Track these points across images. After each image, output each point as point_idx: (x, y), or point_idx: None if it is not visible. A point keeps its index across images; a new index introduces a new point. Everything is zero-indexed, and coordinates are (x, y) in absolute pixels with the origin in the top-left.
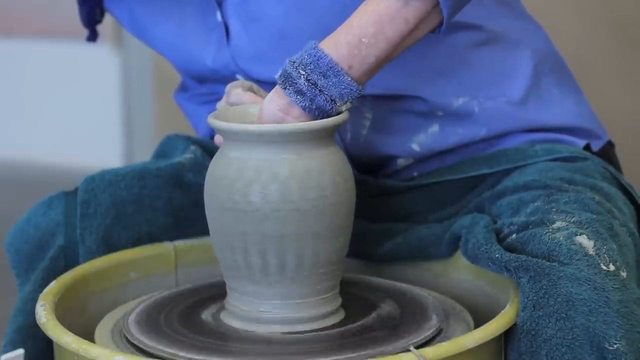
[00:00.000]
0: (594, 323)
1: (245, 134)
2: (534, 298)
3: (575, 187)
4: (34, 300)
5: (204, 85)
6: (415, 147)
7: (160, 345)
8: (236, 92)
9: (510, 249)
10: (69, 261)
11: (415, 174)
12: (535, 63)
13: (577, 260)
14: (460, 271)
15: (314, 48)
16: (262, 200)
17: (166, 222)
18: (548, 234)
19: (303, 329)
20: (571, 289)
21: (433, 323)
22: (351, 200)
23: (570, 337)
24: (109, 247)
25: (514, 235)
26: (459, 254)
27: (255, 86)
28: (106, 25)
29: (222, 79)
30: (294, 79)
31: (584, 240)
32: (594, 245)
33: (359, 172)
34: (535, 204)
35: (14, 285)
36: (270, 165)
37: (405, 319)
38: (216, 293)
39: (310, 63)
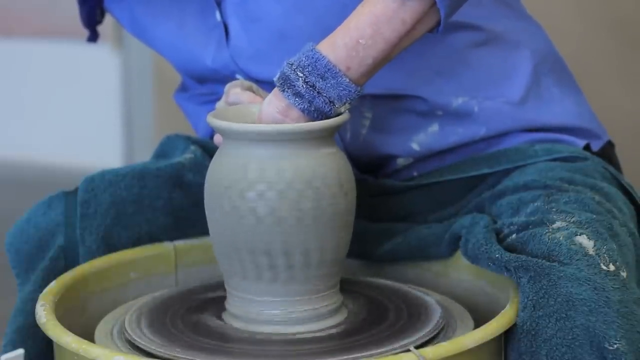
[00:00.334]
0: (594, 323)
1: (244, 134)
2: (534, 298)
3: (575, 187)
4: (34, 300)
5: (203, 85)
6: (415, 146)
7: (160, 345)
8: (235, 91)
9: (510, 249)
10: (69, 261)
11: (415, 173)
12: (535, 63)
13: (577, 260)
14: (460, 271)
15: (312, 50)
16: (262, 201)
17: (166, 222)
18: (548, 234)
19: (303, 330)
20: (571, 289)
21: (433, 323)
22: (351, 200)
23: (570, 337)
24: (109, 247)
25: (514, 235)
26: (459, 254)
27: (254, 86)
28: (106, 26)
29: (222, 78)
30: (292, 81)
31: (584, 240)
32: (594, 245)
33: (359, 171)
34: (535, 204)
35: (14, 285)
36: (270, 165)
37: (406, 319)
38: (216, 293)
39: (308, 65)
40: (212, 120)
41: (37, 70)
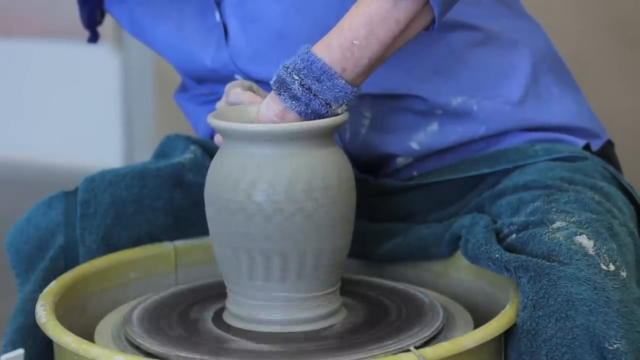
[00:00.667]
0: (594, 323)
1: (245, 134)
2: (534, 298)
3: (575, 187)
4: (34, 300)
5: (203, 85)
6: (414, 145)
7: (160, 345)
8: (235, 91)
9: (510, 249)
10: (69, 261)
11: (415, 173)
12: (533, 62)
13: (577, 260)
14: (460, 271)
15: (307, 52)
16: (262, 200)
17: (166, 222)
18: (548, 234)
19: (303, 329)
20: (571, 288)
21: (433, 323)
22: (351, 200)
23: (570, 337)
24: (109, 247)
25: (513, 235)
26: (459, 254)
27: (254, 86)
28: (106, 26)
29: (222, 79)
30: (288, 85)
31: (584, 240)
32: (594, 245)
33: (359, 171)
34: (535, 203)
35: (14, 285)
36: (270, 165)
37: (406, 319)
38: (216, 293)
39: (304, 68)
40: (213, 120)
41: (37, 70)
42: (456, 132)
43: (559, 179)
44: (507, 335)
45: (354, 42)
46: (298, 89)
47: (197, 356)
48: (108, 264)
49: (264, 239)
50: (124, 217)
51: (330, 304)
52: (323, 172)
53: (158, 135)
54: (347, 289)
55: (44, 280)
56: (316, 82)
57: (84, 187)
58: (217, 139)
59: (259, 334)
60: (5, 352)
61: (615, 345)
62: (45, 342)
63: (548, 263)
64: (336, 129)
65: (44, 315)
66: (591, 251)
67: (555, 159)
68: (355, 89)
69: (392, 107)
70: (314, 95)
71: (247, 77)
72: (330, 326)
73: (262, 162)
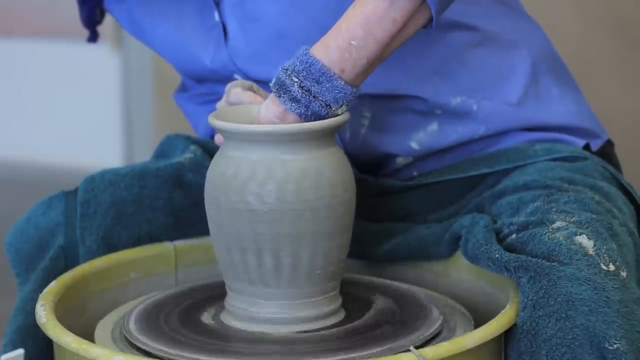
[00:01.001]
0: (594, 323)
1: (245, 134)
2: (534, 298)
3: (575, 187)
4: (34, 300)
5: (203, 85)
6: (414, 145)
7: (160, 345)
8: (236, 91)
9: (510, 249)
10: (69, 261)
11: (414, 173)
12: (533, 62)
13: (577, 260)
14: (460, 271)
15: (305, 54)
16: (262, 200)
17: (166, 222)
18: (548, 233)
19: (303, 329)
20: (571, 288)
21: (433, 323)
22: (351, 200)
23: (570, 337)
24: (109, 247)
25: (513, 235)
26: (459, 254)
27: (255, 86)
28: (106, 26)
29: (221, 79)
30: (288, 87)
31: (584, 240)
32: (594, 245)
33: (359, 171)
34: (535, 203)
35: (14, 285)
36: (271, 165)
37: (406, 319)
38: (216, 293)
39: (303, 70)
40: (213, 120)
41: (37, 70)
42: (456, 132)
43: (559, 179)
44: (507, 335)
45: (352, 42)
46: (297, 91)
47: (197, 356)
48: (108, 264)
49: (264, 239)
50: (124, 217)
51: (330, 304)
52: (323, 172)
53: (158, 135)
54: (347, 289)
55: (44, 280)
56: (315, 84)
57: (84, 187)
58: (218, 138)
59: (258, 334)
60: (5, 352)
61: (615, 345)
62: (45, 342)
63: (548, 263)
64: (336, 130)
65: (44, 315)
66: (591, 251)
67: (555, 159)
68: (355, 90)
69: (391, 107)
70: (314, 97)
71: (246, 76)
72: (330, 326)
73: (262, 162)
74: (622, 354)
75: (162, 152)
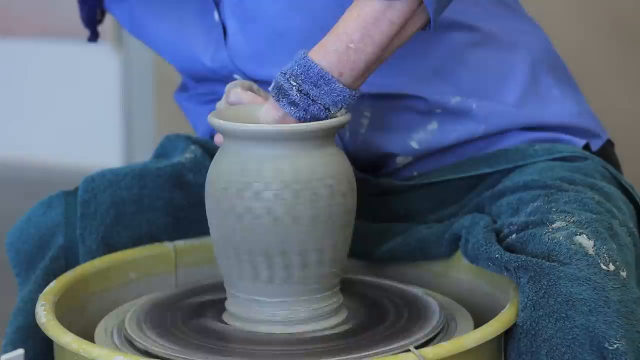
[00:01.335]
0: (593, 323)
1: (245, 134)
2: (534, 298)
3: (575, 186)
4: (34, 300)
5: (203, 85)
6: (414, 144)
7: (160, 345)
8: (236, 91)
9: (510, 249)
10: (69, 261)
11: (415, 172)
12: (533, 63)
13: (577, 260)
14: (460, 271)
15: (304, 58)
16: (262, 201)
17: (166, 222)
18: (548, 233)
19: (303, 329)
20: (571, 288)
21: (433, 323)
22: (352, 200)
23: (570, 337)
24: (109, 247)
25: (513, 235)
26: (459, 254)
27: (254, 86)
28: (107, 25)
29: (221, 78)
30: (287, 91)
31: (584, 240)
32: (594, 245)
33: (359, 171)
34: (535, 203)
35: (14, 285)
36: (271, 165)
37: (406, 319)
38: (216, 293)
39: (301, 74)
40: (214, 119)
41: (37, 70)
42: (455, 131)
43: (559, 179)
44: (507, 335)
45: (349, 45)
46: (296, 94)
47: (197, 356)
48: (108, 264)
49: (264, 240)
50: (124, 217)
51: (331, 304)
52: (324, 173)
53: (158, 135)
54: (347, 289)
55: (44, 280)
56: (314, 88)
57: (84, 187)
58: (218, 138)
59: (258, 334)
60: (5, 352)
61: (615, 345)
62: (45, 342)
63: (548, 263)
64: (337, 130)
65: (44, 315)
66: (591, 251)
67: (555, 159)
68: (354, 92)
69: (391, 107)
70: (312, 100)
71: (246, 76)
72: (330, 326)
73: (262, 162)
74: (622, 354)
75: (162, 152)
